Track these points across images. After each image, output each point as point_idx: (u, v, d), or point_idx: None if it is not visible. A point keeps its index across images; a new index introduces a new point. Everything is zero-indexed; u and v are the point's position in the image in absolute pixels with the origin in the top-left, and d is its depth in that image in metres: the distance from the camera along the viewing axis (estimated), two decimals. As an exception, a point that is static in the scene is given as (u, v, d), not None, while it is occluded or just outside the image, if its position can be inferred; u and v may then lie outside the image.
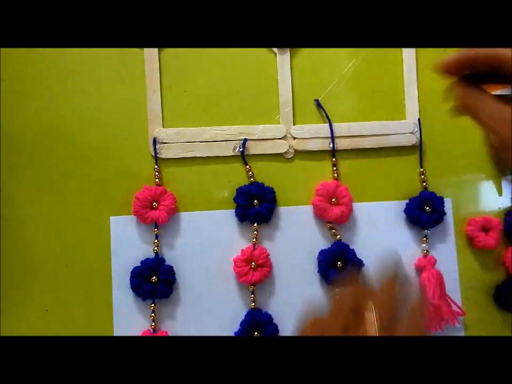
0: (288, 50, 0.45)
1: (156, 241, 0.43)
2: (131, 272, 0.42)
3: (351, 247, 0.45)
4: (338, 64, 0.46)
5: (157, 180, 0.43)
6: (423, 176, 0.46)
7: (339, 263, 0.44)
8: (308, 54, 0.46)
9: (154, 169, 0.43)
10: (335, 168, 0.46)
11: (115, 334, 0.41)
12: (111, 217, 0.42)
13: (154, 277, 0.41)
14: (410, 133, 0.47)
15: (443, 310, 0.43)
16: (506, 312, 0.46)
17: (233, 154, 0.44)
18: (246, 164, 0.44)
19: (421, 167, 0.47)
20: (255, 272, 0.43)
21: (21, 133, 0.41)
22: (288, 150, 0.45)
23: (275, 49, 0.45)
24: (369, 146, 0.46)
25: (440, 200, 0.46)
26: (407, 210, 0.46)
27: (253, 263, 0.42)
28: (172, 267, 0.42)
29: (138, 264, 0.42)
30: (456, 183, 0.47)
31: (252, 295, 0.43)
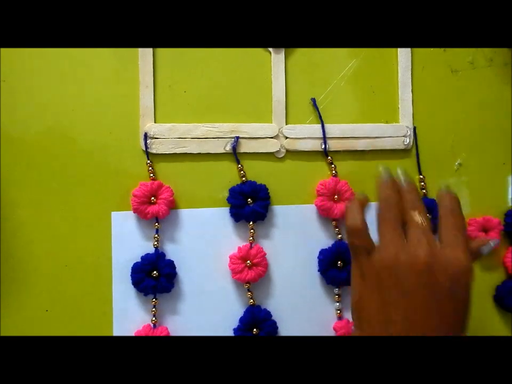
0: (283, 50, 0.45)
1: (156, 236, 0.43)
2: (132, 268, 0.42)
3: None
4: (335, 64, 0.46)
5: (151, 175, 0.43)
6: (422, 183, 0.46)
7: (339, 262, 0.44)
8: (303, 53, 0.45)
9: (147, 164, 0.43)
10: (333, 166, 0.45)
11: (115, 331, 0.42)
12: (112, 213, 0.42)
13: (155, 272, 0.42)
14: (403, 136, 0.46)
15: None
16: (506, 312, 0.46)
17: (225, 151, 0.44)
18: (238, 162, 0.44)
19: (420, 174, 0.46)
20: (249, 270, 0.43)
21: (21, 133, 0.41)
22: (279, 149, 0.45)
23: (270, 48, 0.45)
24: (361, 149, 0.45)
25: None
26: None
27: (248, 261, 0.43)
28: (173, 261, 0.42)
29: (139, 260, 0.42)
30: (456, 184, 0.47)
31: (249, 293, 0.43)
